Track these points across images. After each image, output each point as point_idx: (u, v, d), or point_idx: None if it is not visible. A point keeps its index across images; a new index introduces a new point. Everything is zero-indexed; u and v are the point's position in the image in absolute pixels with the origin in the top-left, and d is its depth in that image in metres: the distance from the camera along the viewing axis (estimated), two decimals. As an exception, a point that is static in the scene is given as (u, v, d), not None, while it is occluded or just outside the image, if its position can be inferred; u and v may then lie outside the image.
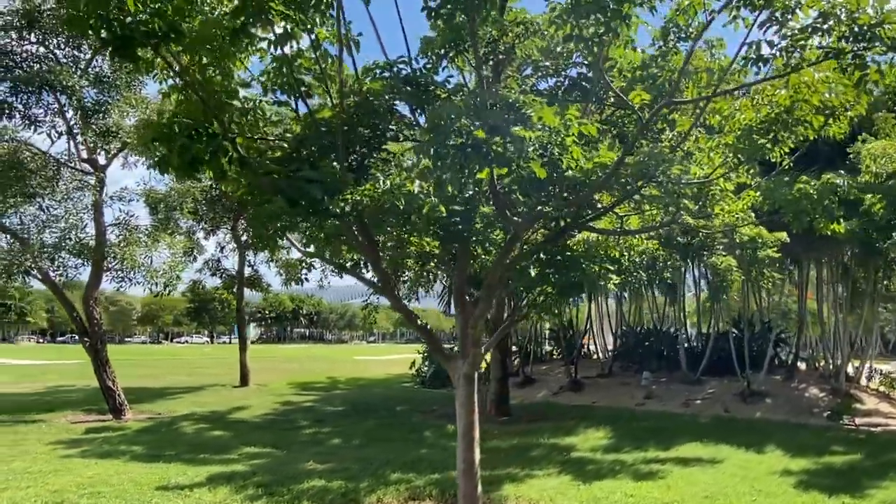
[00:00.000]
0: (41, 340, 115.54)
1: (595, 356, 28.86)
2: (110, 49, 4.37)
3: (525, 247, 7.30)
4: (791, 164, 8.08)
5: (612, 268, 11.89)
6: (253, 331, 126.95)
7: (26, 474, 9.59)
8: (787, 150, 7.50)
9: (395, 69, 5.87)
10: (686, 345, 23.93)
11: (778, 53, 5.02)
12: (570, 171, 5.64)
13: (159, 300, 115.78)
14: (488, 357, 12.10)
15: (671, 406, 18.98)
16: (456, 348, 8.80)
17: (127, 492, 8.68)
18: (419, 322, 7.15)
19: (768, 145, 6.02)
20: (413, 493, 8.72)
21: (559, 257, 7.62)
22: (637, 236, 8.88)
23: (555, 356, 29.72)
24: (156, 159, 4.73)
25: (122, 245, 15.85)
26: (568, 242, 9.49)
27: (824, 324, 22.66)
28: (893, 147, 9.43)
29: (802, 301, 24.12)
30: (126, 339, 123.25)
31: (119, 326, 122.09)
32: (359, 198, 4.65)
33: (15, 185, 14.71)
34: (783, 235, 14.04)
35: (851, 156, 13.95)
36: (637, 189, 6.68)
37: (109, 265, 16.05)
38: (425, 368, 26.62)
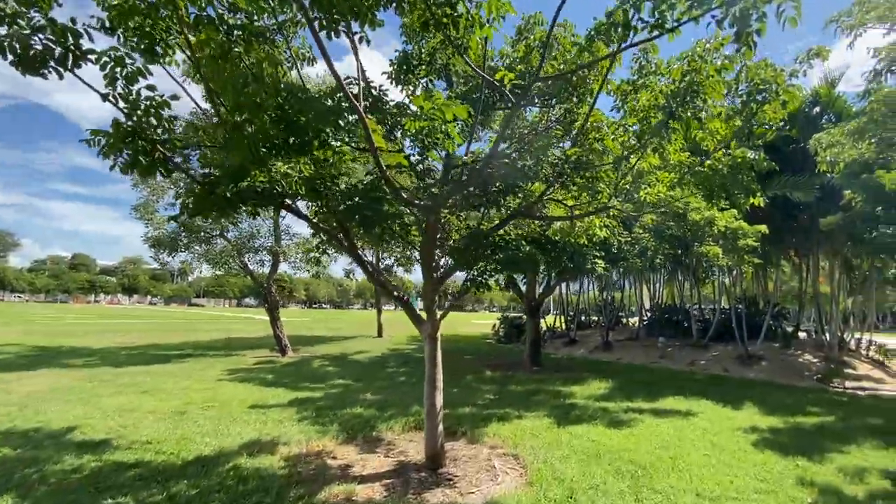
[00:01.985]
0: (304, 307, 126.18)
1: (632, 325, 25.55)
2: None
3: (482, 229, 5.83)
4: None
5: (598, 254, 9.89)
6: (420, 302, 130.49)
7: (182, 390, 9.65)
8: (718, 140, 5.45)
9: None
10: (699, 317, 20.27)
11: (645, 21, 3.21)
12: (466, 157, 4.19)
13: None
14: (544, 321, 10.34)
15: (679, 365, 15.88)
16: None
17: (228, 406, 8.34)
18: (395, 293, 5.90)
19: (671, 123, 4.13)
20: (418, 423, 7.49)
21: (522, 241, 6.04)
22: (594, 223, 6.92)
23: (601, 324, 26.75)
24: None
25: (286, 247, 16.27)
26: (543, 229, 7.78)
27: (821, 303, 17.92)
28: (841, 133, 6.62)
29: (802, 283, 19.39)
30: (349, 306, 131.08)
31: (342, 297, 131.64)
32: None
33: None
34: (763, 228, 10.95)
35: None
36: (558, 177, 5.01)
37: (282, 259, 16.53)
38: (501, 329, 25.07)
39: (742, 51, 3.14)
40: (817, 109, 14.86)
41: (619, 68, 6.25)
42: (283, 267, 17.91)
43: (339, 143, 3.26)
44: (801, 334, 19.41)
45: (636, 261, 10.86)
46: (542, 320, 25.54)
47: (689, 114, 4.07)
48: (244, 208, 4.31)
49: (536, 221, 8.25)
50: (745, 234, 10.75)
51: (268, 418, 7.67)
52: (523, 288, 14.98)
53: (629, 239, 10.38)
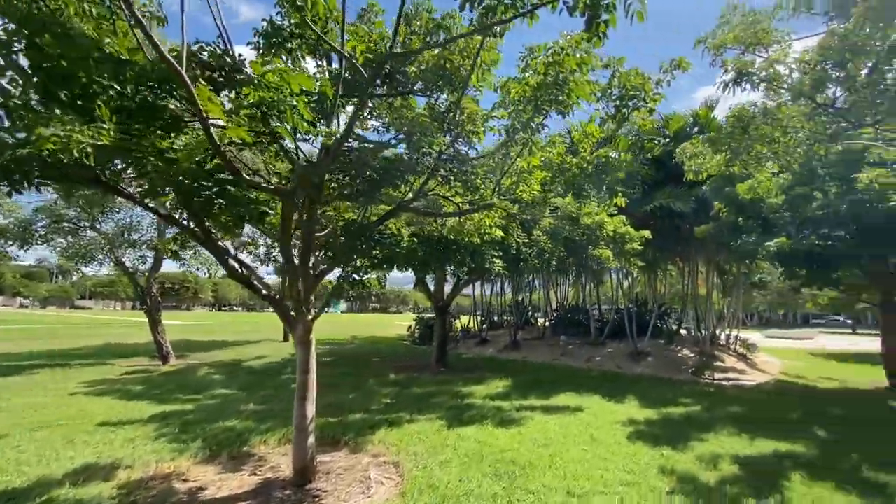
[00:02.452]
0: (211, 310, 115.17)
1: (541, 325, 26.63)
2: None
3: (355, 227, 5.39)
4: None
5: (496, 253, 9.92)
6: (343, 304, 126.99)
7: (19, 407, 8.06)
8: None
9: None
10: (598, 317, 21.65)
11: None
12: (321, 138, 3.75)
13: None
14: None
15: (578, 362, 16.67)
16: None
17: (72, 424, 7.05)
18: (264, 292, 5.25)
19: (537, 115, 4.03)
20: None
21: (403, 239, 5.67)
22: (485, 223, 6.78)
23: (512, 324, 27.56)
24: None
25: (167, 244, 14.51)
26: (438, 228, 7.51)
27: (698, 303, 19.95)
28: (699, 143, 7.26)
29: (684, 285, 21.47)
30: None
31: (255, 299, 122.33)
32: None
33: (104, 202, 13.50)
34: (647, 233, 11.78)
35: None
36: (434, 171, 4.73)
37: (166, 255, 14.71)
38: (417, 331, 24.81)
39: (592, 42, 3.06)
40: (696, 129, 16.47)
41: (506, 66, 6.21)
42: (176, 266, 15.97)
43: (136, 103, 2.64)
44: (683, 332, 21.44)
45: (535, 262, 11.13)
46: (456, 321, 25.86)
47: (554, 108, 4.00)
48: (48, 185, 3.48)
49: (436, 219, 8.01)
50: (631, 238, 11.47)
51: (116, 437, 6.57)
52: (433, 288, 14.82)
53: (526, 240, 10.57)
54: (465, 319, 27.31)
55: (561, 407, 9.23)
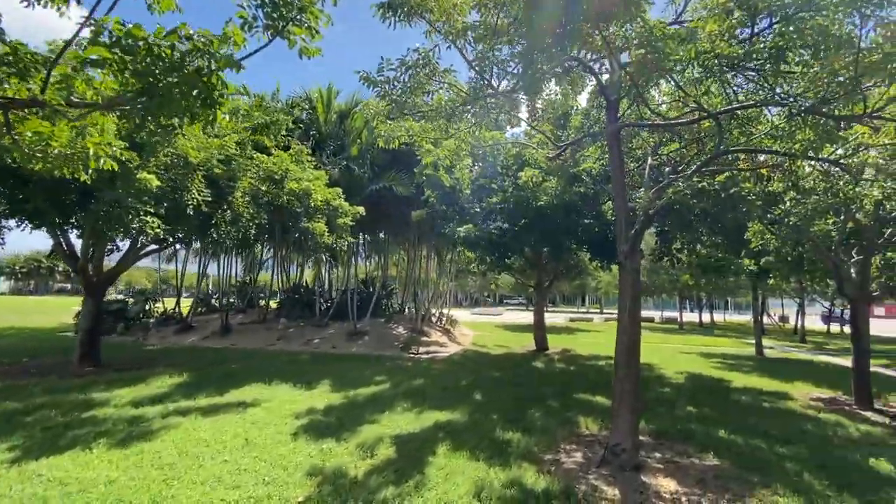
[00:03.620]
0: None
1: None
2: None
3: None
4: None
5: (151, 209, 7.43)
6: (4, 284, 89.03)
7: None
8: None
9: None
10: (328, 298, 20.93)
11: None
12: None
13: None
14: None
15: (294, 346, 15.28)
16: None
17: None
18: None
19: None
20: None
21: None
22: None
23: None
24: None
25: None
26: None
27: (417, 285, 21.64)
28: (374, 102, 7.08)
29: (408, 268, 23.01)
30: None
31: None
32: None
33: None
34: (361, 209, 11.28)
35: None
36: None
37: None
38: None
39: None
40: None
41: None
42: None
43: None
44: (407, 311, 22.94)
45: (229, 229, 9.03)
46: (157, 304, 20.53)
47: None
48: None
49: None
50: (344, 212, 10.73)
51: None
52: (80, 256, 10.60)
53: (210, 198, 8.30)
54: (170, 302, 22.09)
55: (233, 404, 7.55)
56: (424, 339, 17.02)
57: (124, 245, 10.56)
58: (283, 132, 11.33)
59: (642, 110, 6.64)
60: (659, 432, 6.76)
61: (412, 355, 14.29)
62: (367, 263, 30.56)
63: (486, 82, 5.31)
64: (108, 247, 10.54)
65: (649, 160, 6.72)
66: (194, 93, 3.96)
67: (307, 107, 18.76)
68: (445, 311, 24.47)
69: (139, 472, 4.72)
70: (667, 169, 7.54)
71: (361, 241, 28.42)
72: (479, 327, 28.09)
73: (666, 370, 12.77)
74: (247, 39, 4.04)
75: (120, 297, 21.44)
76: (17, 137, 4.09)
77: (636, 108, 6.82)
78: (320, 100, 18.48)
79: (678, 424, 7.16)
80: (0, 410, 6.65)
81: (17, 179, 6.74)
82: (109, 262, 11.46)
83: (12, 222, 8.11)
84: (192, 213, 8.01)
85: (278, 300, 22.23)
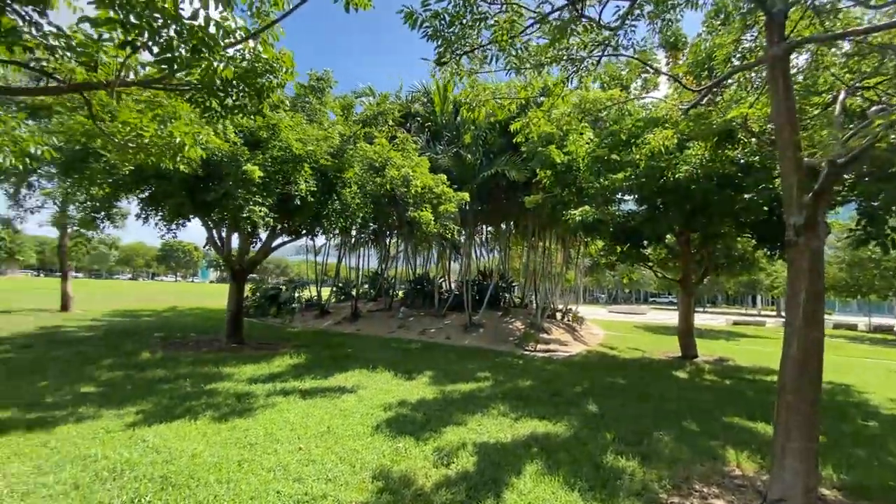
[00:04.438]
0: (37, 274, 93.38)
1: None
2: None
3: None
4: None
5: (260, 199, 7.87)
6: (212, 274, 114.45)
7: None
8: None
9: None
10: (448, 289, 21.05)
11: None
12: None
13: (136, 248, 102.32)
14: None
15: (411, 334, 15.55)
16: None
17: None
18: None
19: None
20: None
21: None
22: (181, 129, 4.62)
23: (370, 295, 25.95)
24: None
25: None
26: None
27: (539, 277, 20.29)
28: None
29: (529, 259, 21.79)
30: (113, 276, 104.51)
31: (104, 266, 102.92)
32: None
33: None
34: (465, 196, 10.65)
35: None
36: None
37: None
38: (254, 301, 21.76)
39: None
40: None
41: None
42: None
43: None
44: (529, 304, 21.82)
45: (339, 220, 9.29)
46: (304, 291, 23.26)
47: None
48: None
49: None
50: (448, 198, 10.23)
51: None
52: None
53: (312, 187, 8.54)
54: (325, 291, 24.90)
55: (332, 389, 7.65)
56: (543, 335, 15.75)
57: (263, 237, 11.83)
58: (391, 122, 11.40)
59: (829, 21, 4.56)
60: (855, 488, 4.66)
61: (527, 352, 13.25)
62: (490, 255, 30.14)
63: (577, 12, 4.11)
64: (252, 239, 11.93)
65: (842, 95, 4.60)
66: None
67: (425, 100, 18.98)
68: (573, 306, 22.58)
69: (222, 450, 4.84)
70: (873, 108, 5.15)
71: (482, 233, 28.26)
72: (614, 326, 25.32)
73: (871, 395, 9.37)
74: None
75: (278, 284, 24.69)
76: (106, 131, 4.45)
77: (815, 22, 4.74)
78: (437, 92, 18.48)
79: (888, 478, 4.89)
80: (150, 377, 7.83)
81: (160, 179, 7.89)
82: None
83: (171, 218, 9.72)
84: (299, 203, 8.44)
85: (404, 290, 23.21)
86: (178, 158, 5.03)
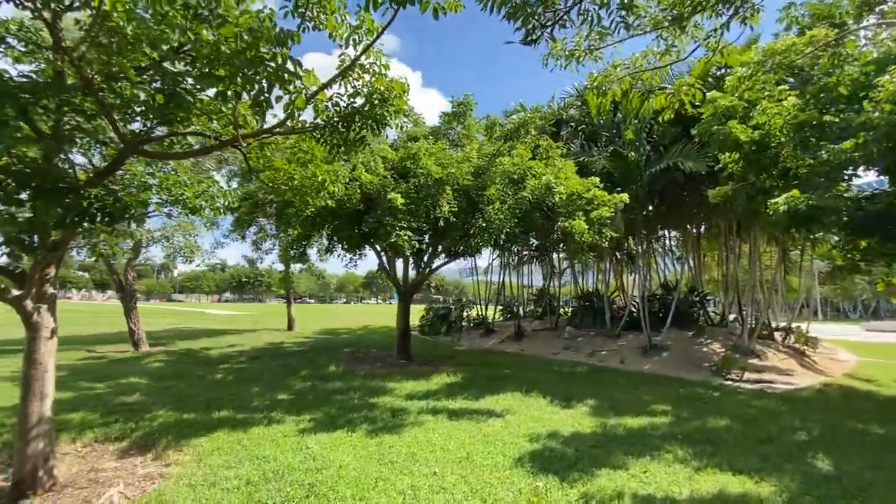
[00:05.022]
0: (283, 302, 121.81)
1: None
2: None
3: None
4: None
5: (404, 224, 8.29)
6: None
7: None
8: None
9: None
10: (622, 305, 18.90)
11: None
12: None
13: (349, 277, 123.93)
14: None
15: (579, 356, 14.31)
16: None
17: None
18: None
19: None
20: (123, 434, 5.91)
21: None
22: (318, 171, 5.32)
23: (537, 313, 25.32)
24: None
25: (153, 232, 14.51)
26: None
27: (739, 287, 16.46)
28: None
29: (725, 266, 17.96)
30: (332, 301, 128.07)
31: (326, 292, 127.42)
32: None
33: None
34: (624, 197, 9.36)
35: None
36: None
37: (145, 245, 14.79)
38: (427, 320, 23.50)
39: None
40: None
41: None
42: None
43: None
44: (731, 322, 17.91)
45: (484, 236, 9.21)
46: (471, 309, 24.08)
47: None
48: None
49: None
50: (600, 202, 9.14)
51: None
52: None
53: (453, 208, 8.62)
54: (490, 310, 25.52)
55: (480, 411, 7.42)
56: (754, 361, 12.54)
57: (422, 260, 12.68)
58: (532, 132, 10.96)
59: None
60: None
61: (728, 381, 10.68)
62: (677, 265, 26.10)
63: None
64: (412, 262, 12.92)
65: None
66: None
67: (579, 103, 17.92)
68: (801, 324, 17.58)
69: (365, 465, 5.06)
70: None
71: (666, 239, 24.69)
72: (872, 351, 18.76)
73: None
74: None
75: (448, 304, 26.19)
76: (261, 178, 5.30)
77: None
78: (590, 92, 17.22)
79: None
80: (329, 388, 8.94)
81: (334, 216, 9.17)
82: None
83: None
84: (443, 224, 8.70)
85: (572, 308, 21.87)
86: (321, 194, 5.68)
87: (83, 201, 3.66)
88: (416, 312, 21.69)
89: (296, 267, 25.46)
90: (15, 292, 4.17)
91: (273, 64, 3.20)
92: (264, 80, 3.30)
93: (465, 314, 22.94)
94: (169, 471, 4.87)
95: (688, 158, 11.59)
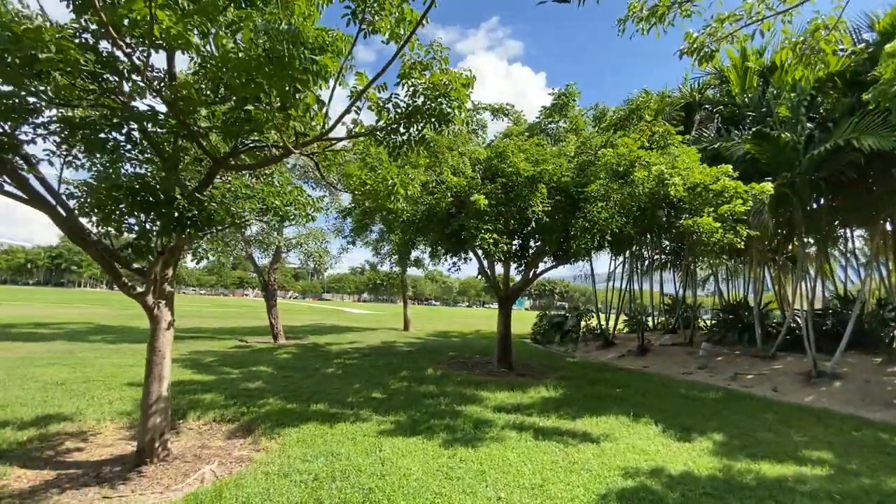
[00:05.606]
0: (412, 303, 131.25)
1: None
2: None
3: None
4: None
5: (487, 225, 7.89)
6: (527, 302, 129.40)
7: (107, 366, 10.24)
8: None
9: None
10: (778, 320, 15.53)
11: None
12: None
13: (471, 280, 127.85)
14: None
15: (717, 379, 12.10)
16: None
17: (105, 381, 8.66)
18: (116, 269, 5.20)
19: None
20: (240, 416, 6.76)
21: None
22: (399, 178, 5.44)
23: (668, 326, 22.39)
24: None
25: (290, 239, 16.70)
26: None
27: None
28: None
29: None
30: (456, 304, 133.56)
31: (450, 296, 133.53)
32: None
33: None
34: (767, 187, 7.59)
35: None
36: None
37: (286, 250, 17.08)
38: (540, 328, 22.44)
39: None
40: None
41: None
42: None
43: None
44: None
45: (585, 237, 8.28)
46: (591, 318, 22.30)
47: None
48: None
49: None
50: (733, 194, 7.53)
51: (106, 395, 7.76)
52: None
53: (547, 207, 7.86)
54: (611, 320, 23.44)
55: (573, 433, 6.67)
56: None
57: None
58: (646, 118, 9.62)
59: None
60: None
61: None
62: (863, 271, 20.59)
63: None
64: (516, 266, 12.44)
65: None
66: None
67: (717, 82, 15.41)
68: None
69: (429, 478, 4.86)
70: None
71: (848, 241, 19.67)
72: None
73: None
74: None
75: (565, 311, 24.74)
76: (332, 183, 5.50)
77: None
78: (733, 69, 14.65)
79: None
80: (422, 391, 8.99)
81: (429, 221, 9.26)
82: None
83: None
84: (534, 224, 8.09)
85: (713, 321, 18.77)
86: (393, 198, 5.70)
87: (175, 212, 4.18)
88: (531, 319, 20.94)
89: (416, 271, 26.83)
90: (139, 289, 5.01)
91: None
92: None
93: (582, 323, 21.48)
94: (257, 456, 5.34)
95: (866, 134, 8.97)
